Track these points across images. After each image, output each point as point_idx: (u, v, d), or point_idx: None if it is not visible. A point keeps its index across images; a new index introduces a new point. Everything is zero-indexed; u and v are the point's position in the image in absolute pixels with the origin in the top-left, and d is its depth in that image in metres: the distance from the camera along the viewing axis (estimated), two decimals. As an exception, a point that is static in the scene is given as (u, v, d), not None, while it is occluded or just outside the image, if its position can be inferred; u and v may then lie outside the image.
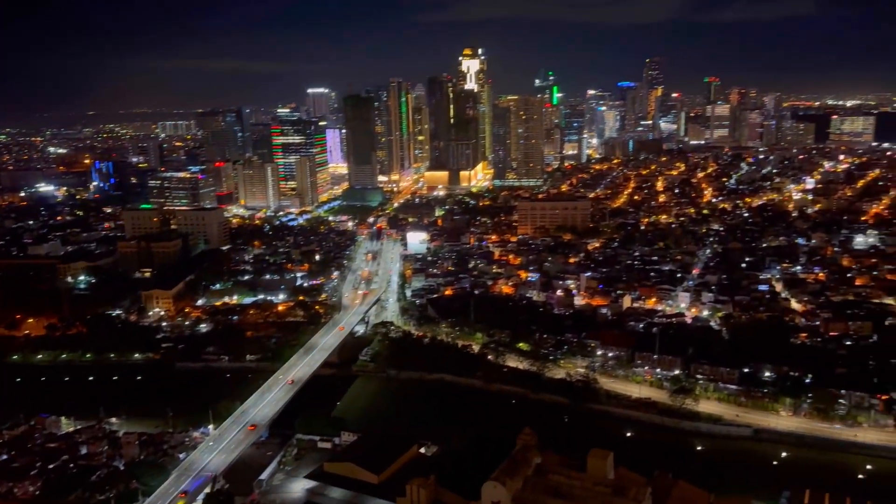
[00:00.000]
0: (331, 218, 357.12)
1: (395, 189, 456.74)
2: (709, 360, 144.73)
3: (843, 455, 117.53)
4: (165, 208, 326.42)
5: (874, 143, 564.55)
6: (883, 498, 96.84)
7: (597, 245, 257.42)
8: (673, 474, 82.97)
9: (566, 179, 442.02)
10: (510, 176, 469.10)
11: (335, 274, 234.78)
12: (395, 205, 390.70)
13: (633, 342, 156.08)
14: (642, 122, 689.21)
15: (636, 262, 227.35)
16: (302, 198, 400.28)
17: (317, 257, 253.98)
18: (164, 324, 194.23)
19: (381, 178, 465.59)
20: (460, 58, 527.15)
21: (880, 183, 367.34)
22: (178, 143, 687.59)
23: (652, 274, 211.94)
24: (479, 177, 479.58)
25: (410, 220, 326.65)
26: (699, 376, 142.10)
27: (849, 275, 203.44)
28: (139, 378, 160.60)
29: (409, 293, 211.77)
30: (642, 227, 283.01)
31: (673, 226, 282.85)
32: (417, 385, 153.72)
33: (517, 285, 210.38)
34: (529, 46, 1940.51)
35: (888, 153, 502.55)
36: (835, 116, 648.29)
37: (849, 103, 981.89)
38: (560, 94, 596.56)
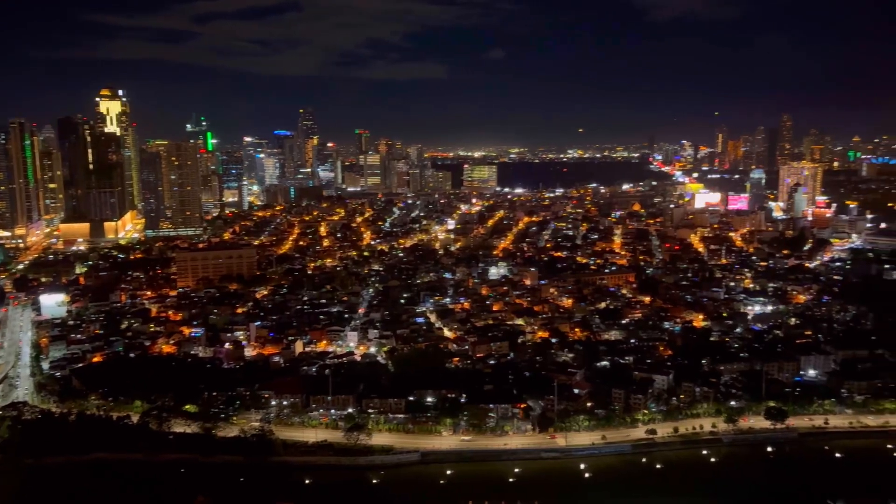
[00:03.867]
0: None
1: (22, 245, 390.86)
2: (378, 393, 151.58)
3: (497, 463, 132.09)
4: None
5: (498, 188, 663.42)
6: (528, 495, 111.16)
7: (265, 293, 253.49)
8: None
9: (228, 227, 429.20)
10: (165, 225, 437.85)
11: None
12: (22, 264, 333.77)
13: (307, 387, 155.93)
14: (301, 170, 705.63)
15: (306, 307, 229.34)
16: None
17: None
18: None
19: (3, 233, 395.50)
20: (98, 98, 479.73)
21: (505, 222, 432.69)
22: None
23: (321, 317, 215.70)
24: (128, 227, 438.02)
25: (44, 279, 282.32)
26: (371, 411, 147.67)
27: (487, 302, 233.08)
28: None
29: (46, 365, 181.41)
30: (309, 272, 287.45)
31: (338, 268, 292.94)
32: (65, 471, 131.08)
33: (180, 343, 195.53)
34: (178, 90, 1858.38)
35: (508, 196, 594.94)
36: (466, 165, 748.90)
37: (476, 154, 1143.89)
38: (215, 141, 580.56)
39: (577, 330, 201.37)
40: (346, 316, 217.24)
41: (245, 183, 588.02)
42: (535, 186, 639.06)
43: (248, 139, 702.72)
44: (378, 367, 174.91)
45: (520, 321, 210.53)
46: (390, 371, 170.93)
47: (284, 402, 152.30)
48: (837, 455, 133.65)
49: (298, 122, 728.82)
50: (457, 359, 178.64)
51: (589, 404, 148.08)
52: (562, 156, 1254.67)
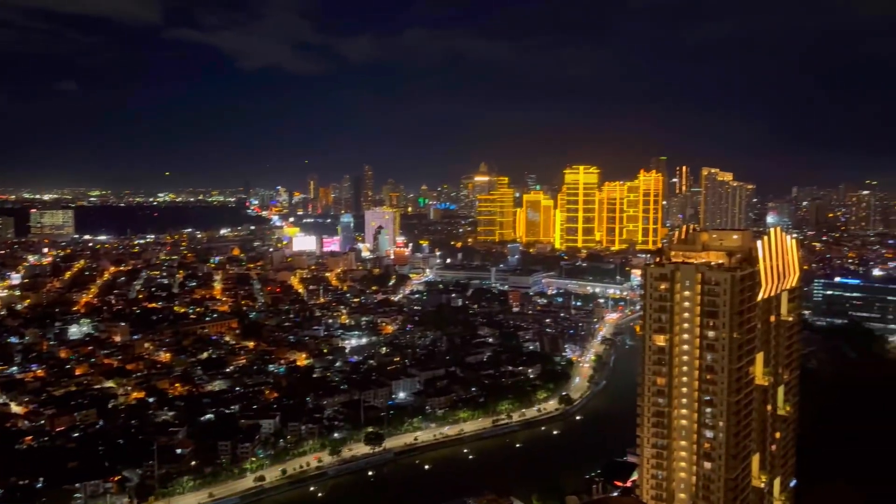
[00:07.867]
0: None
1: None
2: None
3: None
4: None
5: (76, 235, 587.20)
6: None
7: None
8: None
9: None
10: None
11: None
12: None
13: None
14: None
15: None
16: None
17: None
18: None
19: None
20: None
21: (87, 273, 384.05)
22: None
23: None
24: None
25: None
26: None
27: (68, 366, 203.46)
28: None
29: None
30: None
31: None
32: None
33: None
34: None
35: (90, 244, 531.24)
36: (34, 210, 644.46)
37: (46, 197, 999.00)
38: None
39: (177, 385, 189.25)
40: None
41: None
42: (123, 232, 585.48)
43: None
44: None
45: (110, 383, 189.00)
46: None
47: None
48: (426, 467, 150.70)
49: None
50: (30, 437, 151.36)
51: (194, 463, 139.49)
52: (152, 200, 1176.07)
